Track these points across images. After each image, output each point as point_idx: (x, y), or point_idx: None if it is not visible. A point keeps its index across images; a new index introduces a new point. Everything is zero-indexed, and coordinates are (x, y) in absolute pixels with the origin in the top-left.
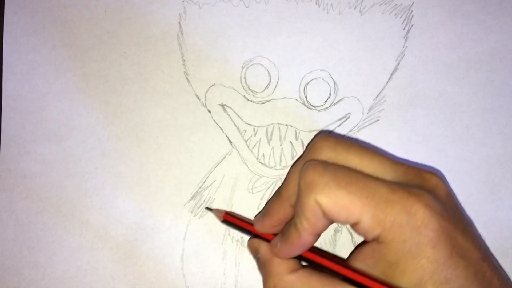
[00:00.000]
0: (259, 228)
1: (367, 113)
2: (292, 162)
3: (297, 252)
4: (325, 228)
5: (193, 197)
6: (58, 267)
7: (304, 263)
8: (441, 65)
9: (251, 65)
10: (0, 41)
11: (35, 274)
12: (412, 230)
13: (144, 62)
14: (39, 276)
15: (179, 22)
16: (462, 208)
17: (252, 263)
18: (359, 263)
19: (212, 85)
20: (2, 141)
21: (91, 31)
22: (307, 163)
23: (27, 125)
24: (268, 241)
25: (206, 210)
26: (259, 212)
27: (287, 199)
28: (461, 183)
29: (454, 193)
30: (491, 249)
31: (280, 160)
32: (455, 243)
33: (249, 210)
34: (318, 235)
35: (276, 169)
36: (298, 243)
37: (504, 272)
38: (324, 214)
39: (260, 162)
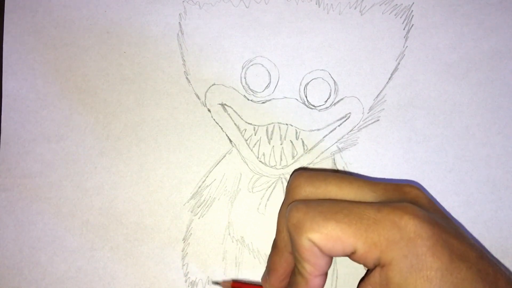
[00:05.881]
0: (268, 287)
1: (367, 113)
2: (293, 161)
3: None
4: (328, 264)
5: (193, 197)
6: (58, 267)
7: None
8: (441, 65)
9: (251, 65)
10: (0, 41)
11: (35, 274)
12: (408, 243)
13: (144, 62)
14: (39, 276)
15: (179, 22)
16: (448, 213)
17: (253, 263)
18: None
19: (212, 84)
20: (2, 141)
21: (91, 31)
22: (289, 206)
23: (27, 125)
24: None
25: (214, 284)
26: (264, 271)
27: (284, 248)
28: (461, 183)
29: (436, 201)
30: (491, 249)
31: (281, 160)
32: (452, 247)
33: (249, 209)
34: (325, 274)
35: (277, 169)
36: None
37: (504, 266)
38: (321, 250)
39: (260, 161)
